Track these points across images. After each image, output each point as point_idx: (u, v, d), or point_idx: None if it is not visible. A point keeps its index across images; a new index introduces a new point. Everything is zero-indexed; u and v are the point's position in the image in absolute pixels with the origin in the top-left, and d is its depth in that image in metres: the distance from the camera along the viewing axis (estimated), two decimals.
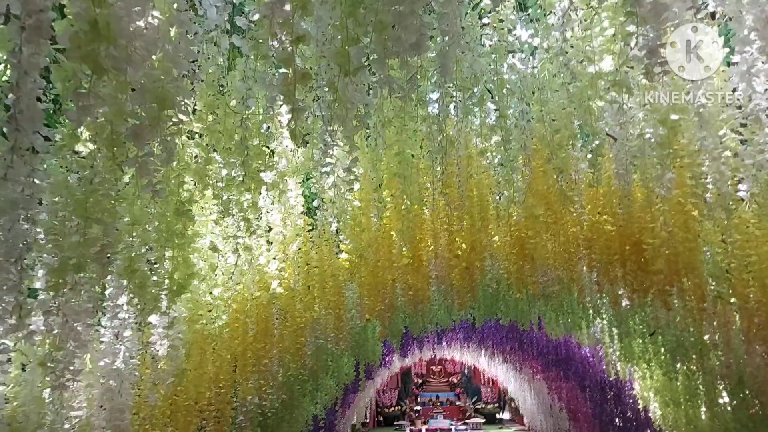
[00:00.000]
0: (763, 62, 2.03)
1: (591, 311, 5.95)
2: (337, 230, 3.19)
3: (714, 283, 3.25)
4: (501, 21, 2.60)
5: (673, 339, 4.94)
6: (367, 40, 1.49)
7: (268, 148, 2.53)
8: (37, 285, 1.94)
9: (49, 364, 1.83)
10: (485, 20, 2.66)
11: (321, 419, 7.52)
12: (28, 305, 1.56)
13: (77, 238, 1.69)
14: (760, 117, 2.23)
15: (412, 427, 20.05)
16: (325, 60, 1.70)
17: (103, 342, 2.60)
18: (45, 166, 1.65)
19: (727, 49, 2.33)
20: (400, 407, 21.83)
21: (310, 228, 3.58)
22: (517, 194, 3.01)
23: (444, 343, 12.76)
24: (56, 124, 2.15)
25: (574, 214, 3.20)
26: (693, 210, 2.87)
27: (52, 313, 1.80)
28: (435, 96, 2.61)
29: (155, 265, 2.26)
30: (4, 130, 1.29)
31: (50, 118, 2.18)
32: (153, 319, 2.59)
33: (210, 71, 2.31)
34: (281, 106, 2.15)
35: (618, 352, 6.57)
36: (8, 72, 1.51)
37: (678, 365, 5.39)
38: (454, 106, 2.62)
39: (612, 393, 9.70)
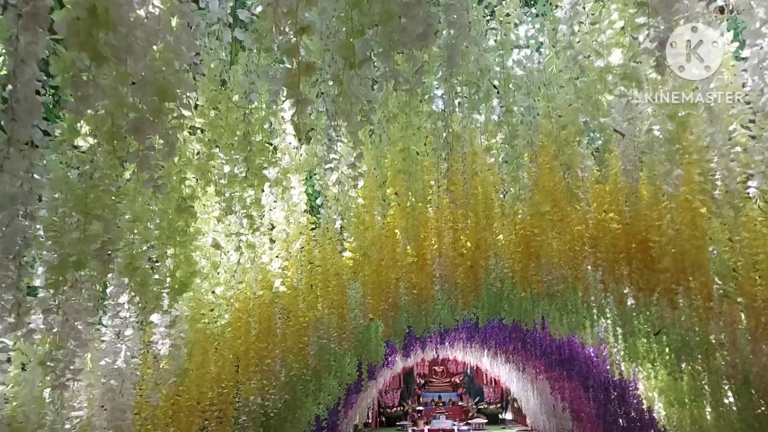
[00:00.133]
0: None
1: (595, 310, 5.93)
2: (340, 228, 3.16)
3: (720, 282, 3.21)
4: (507, 15, 2.56)
5: (678, 338, 4.91)
6: (372, 32, 1.46)
7: (271, 144, 2.50)
8: (37, 282, 1.91)
9: (49, 364, 1.81)
10: (492, 14, 2.62)
11: (323, 419, 7.52)
12: (27, 303, 1.54)
13: (77, 234, 1.67)
14: None
15: (415, 428, 20.02)
16: (329, 54, 1.67)
17: (104, 341, 2.58)
18: (44, 161, 1.63)
19: (736, 44, 2.30)
20: (402, 407, 21.80)
21: (314, 226, 3.55)
22: (523, 191, 2.97)
23: (447, 343, 12.73)
24: (56, 118, 2.12)
25: (580, 212, 3.17)
26: (701, 207, 2.84)
27: (52, 311, 1.78)
28: (440, 92, 2.58)
29: (157, 263, 2.24)
30: (1, 122, 1.27)
31: (49, 112, 2.15)
32: (154, 317, 2.57)
33: (212, 65, 2.28)
34: (285, 101, 2.12)
35: (622, 352, 6.53)
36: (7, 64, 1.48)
37: (683, 365, 5.36)
38: (459, 102, 2.59)
39: (616, 393, 9.63)
